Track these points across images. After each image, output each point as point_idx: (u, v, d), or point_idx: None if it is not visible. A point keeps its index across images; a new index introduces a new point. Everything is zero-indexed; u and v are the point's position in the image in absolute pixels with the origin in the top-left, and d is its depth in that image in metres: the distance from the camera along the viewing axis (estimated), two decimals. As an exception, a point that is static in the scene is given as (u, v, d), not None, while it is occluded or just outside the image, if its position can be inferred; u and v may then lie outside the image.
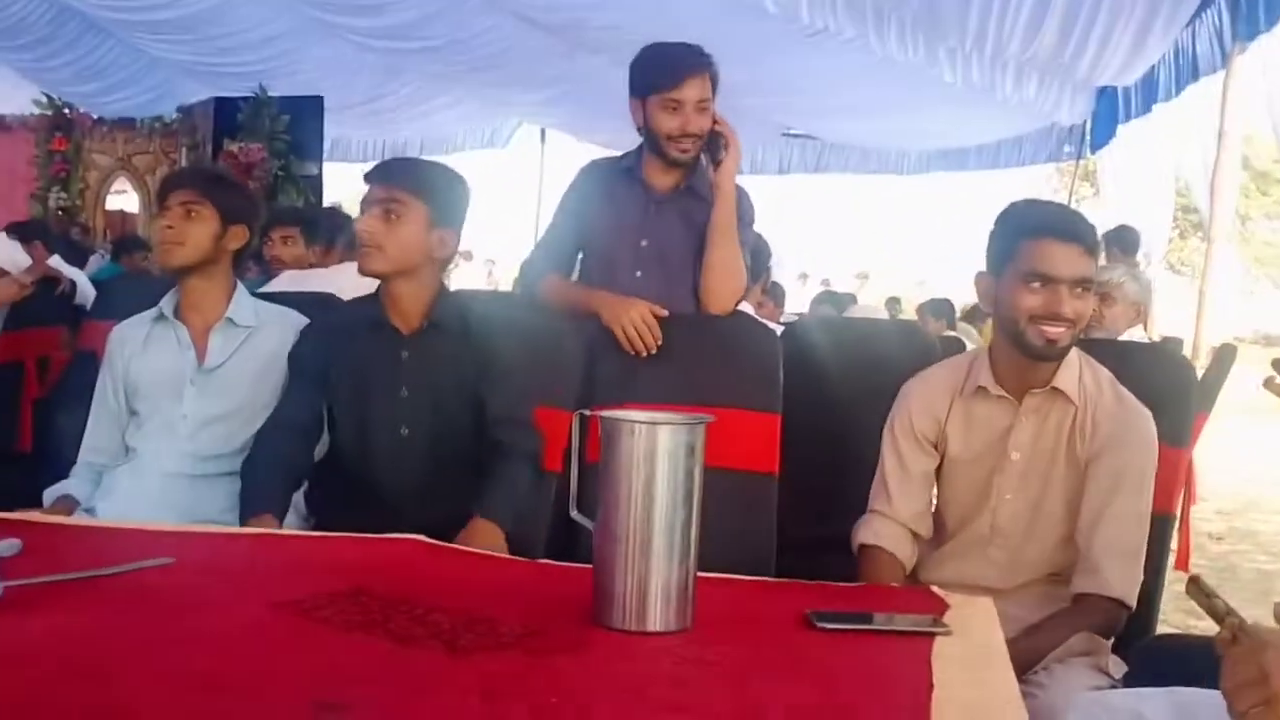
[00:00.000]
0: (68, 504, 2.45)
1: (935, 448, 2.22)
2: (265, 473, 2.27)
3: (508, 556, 1.93)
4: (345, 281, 3.11)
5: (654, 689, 1.24)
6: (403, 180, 2.31)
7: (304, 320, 2.56)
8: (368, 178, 2.34)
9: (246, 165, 9.02)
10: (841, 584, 1.79)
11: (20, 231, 5.30)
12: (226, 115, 9.55)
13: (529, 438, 2.33)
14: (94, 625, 1.36)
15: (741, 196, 2.80)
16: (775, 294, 5.74)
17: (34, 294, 4.81)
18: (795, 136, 12.19)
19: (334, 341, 2.40)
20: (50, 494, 2.49)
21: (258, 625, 1.37)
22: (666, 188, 2.84)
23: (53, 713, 1.08)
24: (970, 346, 3.58)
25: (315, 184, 9.57)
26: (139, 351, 2.57)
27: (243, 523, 2.10)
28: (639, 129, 2.82)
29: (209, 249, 2.52)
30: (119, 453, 2.57)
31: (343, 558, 1.72)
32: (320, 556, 1.75)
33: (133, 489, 2.44)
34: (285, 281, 3.88)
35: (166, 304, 2.58)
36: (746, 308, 3.30)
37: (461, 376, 2.33)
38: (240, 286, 2.63)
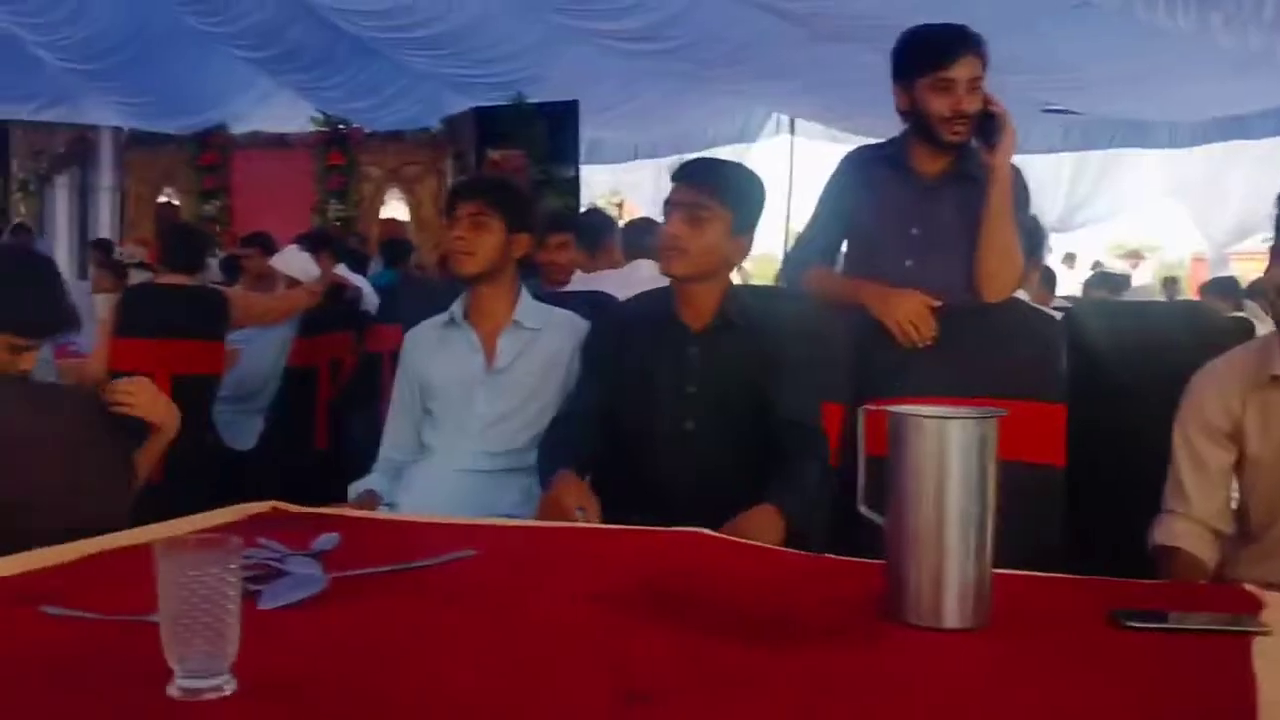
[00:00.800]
0: (371, 499, 2.60)
1: (1231, 441, 2.10)
2: (557, 451, 2.36)
3: (789, 550, 1.94)
4: (639, 281, 3.20)
5: (959, 686, 1.23)
6: (709, 185, 2.36)
7: (584, 322, 2.65)
8: (674, 177, 2.40)
9: (509, 172, 9.36)
10: (1144, 581, 1.72)
11: (308, 243, 5.65)
12: (487, 124, 9.93)
13: (818, 441, 2.34)
14: (411, 614, 1.44)
15: (1015, 177, 2.72)
16: (1045, 278, 5.54)
17: (323, 302, 5.14)
18: (1056, 113, 11.71)
19: (625, 332, 2.48)
20: (355, 489, 2.65)
21: (561, 616, 1.43)
22: (935, 172, 2.79)
23: (376, 695, 1.14)
24: (1261, 329, 3.37)
25: (573, 186, 9.85)
26: (432, 354, 2.72)
27: (546, 491, 2.18)
28: (903, 114, 2.78)
29: (497, 257, 2.65)
30: (416, 449, 2.72)
31: (634, 550, 1.78)
32: (613, 549, 1.80)
33: (430, 484, 2.58)
34: (602, 283, 4.00)
35: (457, 309, 2.72)
36: (1022, 294, 3.21)
37: (748, 374, 2.36)
38: (524, 290, 2.75)
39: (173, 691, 1.10)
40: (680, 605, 1.46)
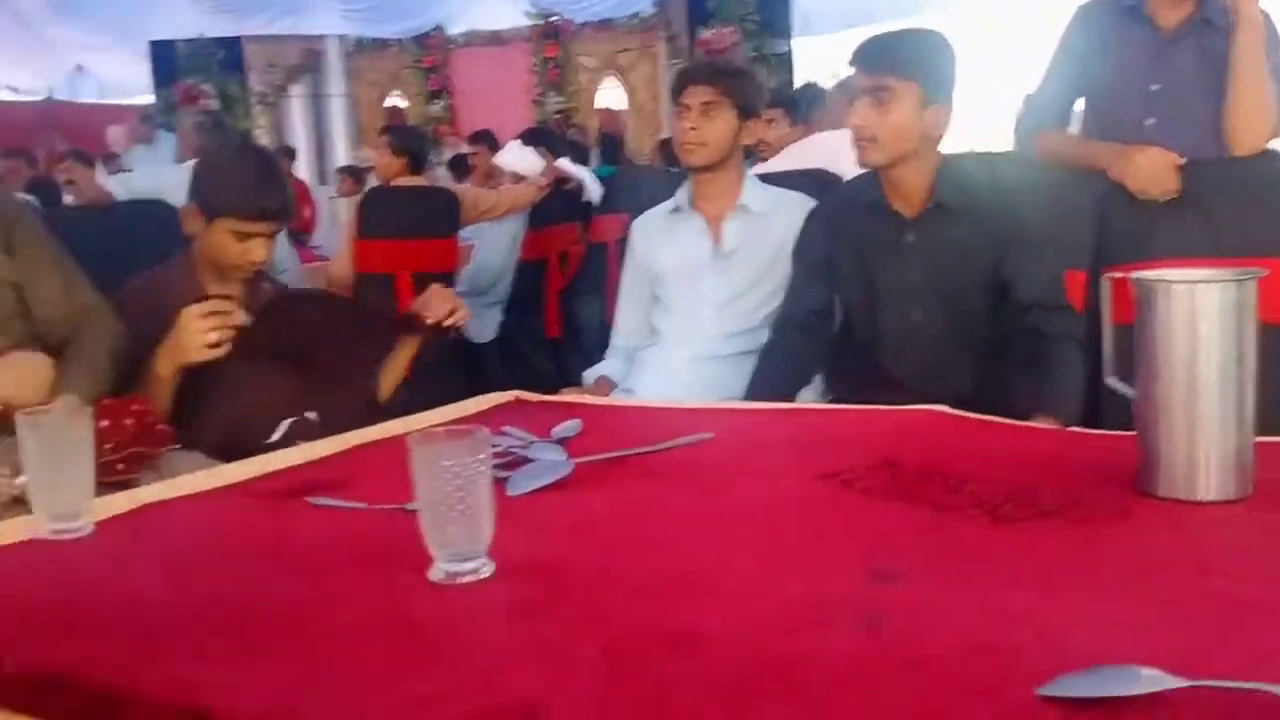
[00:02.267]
0: (606, 384, 2.67)
1: None
2: (775, 365, 2.35)
3: (1031, 424, 1.89)
4: (836, 149, 3.11)
5: (1214, 559, 1.18)
6: (888, 63, 2.24)
7: (812, 202, 2.60)
8: (852, 63, 2.31)
9: (719, 50, 9.22)
10: None
11: (530, 138, 5.74)
12: (698, 3, 9.78)
13: (1070, 319, 2.21)
14: (650, 497, 1.48)
15: (1265, 20, 2.52)
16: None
17: (549, 195, 5.23)
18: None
19: (836, 228, 2.42)
20: (590, 375, 2.72)
21: (802, 496, 1.44)
22: (1176, 22, 2.61)
23: (625, 574, 1.18)
24: None
25: (786, 61, 9.63)
26: (660, 242, 2.74)
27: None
28: None
29: (729, 146, 2.62)
30: (647, 335, 2.76)
31: (872, 430, 1.76)
32: (850, 429, 1.79)
33: (662, 369, 2.62)
34: (782, 161, 3.93)
35: (682, 196, 2.72)
36: (1277, 146, 2.99)
37: (972, 256, 2.26)
38: (749, 173, 2.72)
39: (434, 575, 1.16)
40: (922, 483, 1.44)
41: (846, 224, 2.40)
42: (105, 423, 2.06)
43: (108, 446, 2.03)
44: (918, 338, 2.32)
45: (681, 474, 1.57)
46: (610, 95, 11.72)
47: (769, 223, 2.65)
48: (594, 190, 5.73)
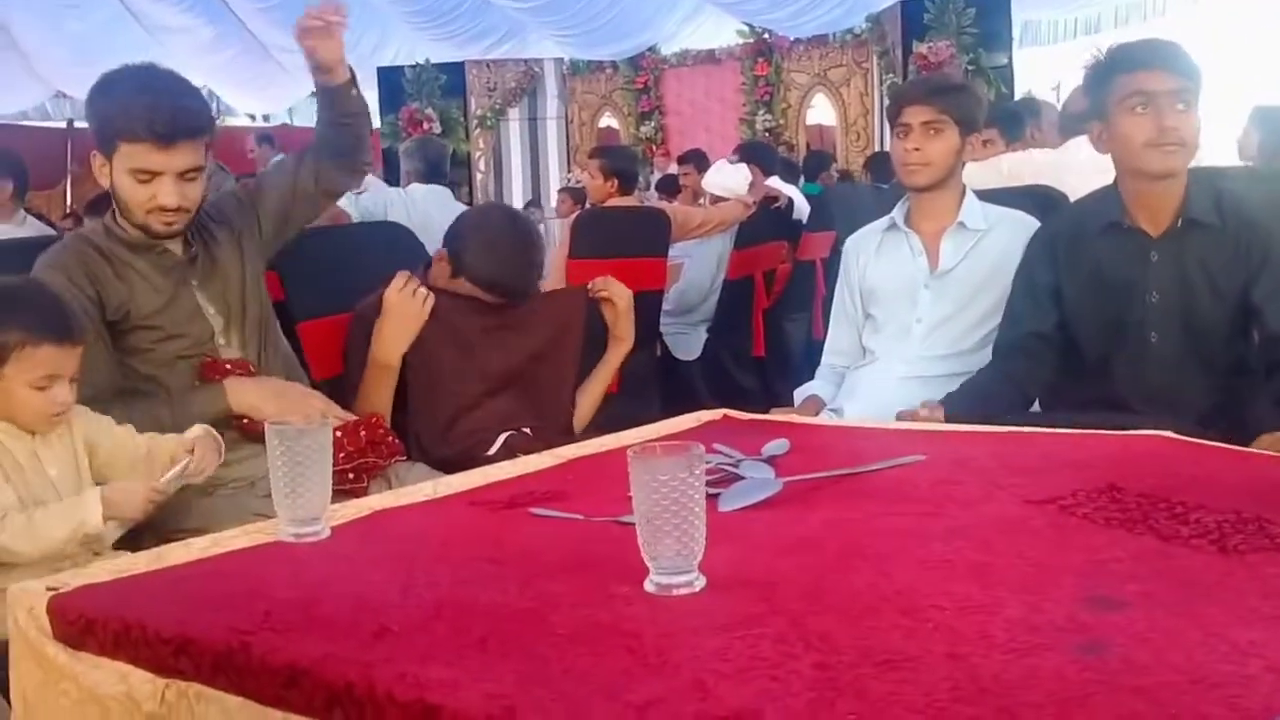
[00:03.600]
0: (815, 403, 2.66)
1: None
2: (994, 385, 2.30)
3: (1261, 452, 1.80)
4: (1075, 165, 3.03)
5: None
6: (1187, 68, 2.18)
7: (1034, 222, 2.54)
8: (1146, 65, 2.19)
9: (936, 64, 9.07)
10: None
11: (745, 153, 5.77)
12: (913, 17, 9.64)
13: None
14: (863, 516, 1.47)
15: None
16: None
17: (757, 213, 5.25)
18: None
19: (1067, 249, 2.35)
20: (800, 394, 2.72)
21: (1018, 520, 1.41)
22: None
23: (836, 592, 1.18)
24: None
25: (1006, 75, 9.39)
26: (873, 260, 2.72)
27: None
28: None
29: (952, 164, 2.59)
30: (858, 354, 2.75)
31: (1093, 454, 1.71)
32: (1070, 454, 1.75)
33: (874, 389, 2.60)
34: (984, 173, 3.82)
35: (898, 213, 2.70)
36: None
37: (1221, 277, 2.17)
38: (969, 190, 2.66)
39: (649, 587, 1.19)
40: (1146, 509, 1.40)
41: (1080, 244, 2.33)
42: (339, 434, 2.18)
43: (341, 456, 2.15)
44: (1153, 360, 2.24)
45: (892, 495, 1.56)
46: (820, 113, 11.68)
47: (987, 241, 2.60)
48: (803, 208, 5.72)
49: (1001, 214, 2.64)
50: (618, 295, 2.67)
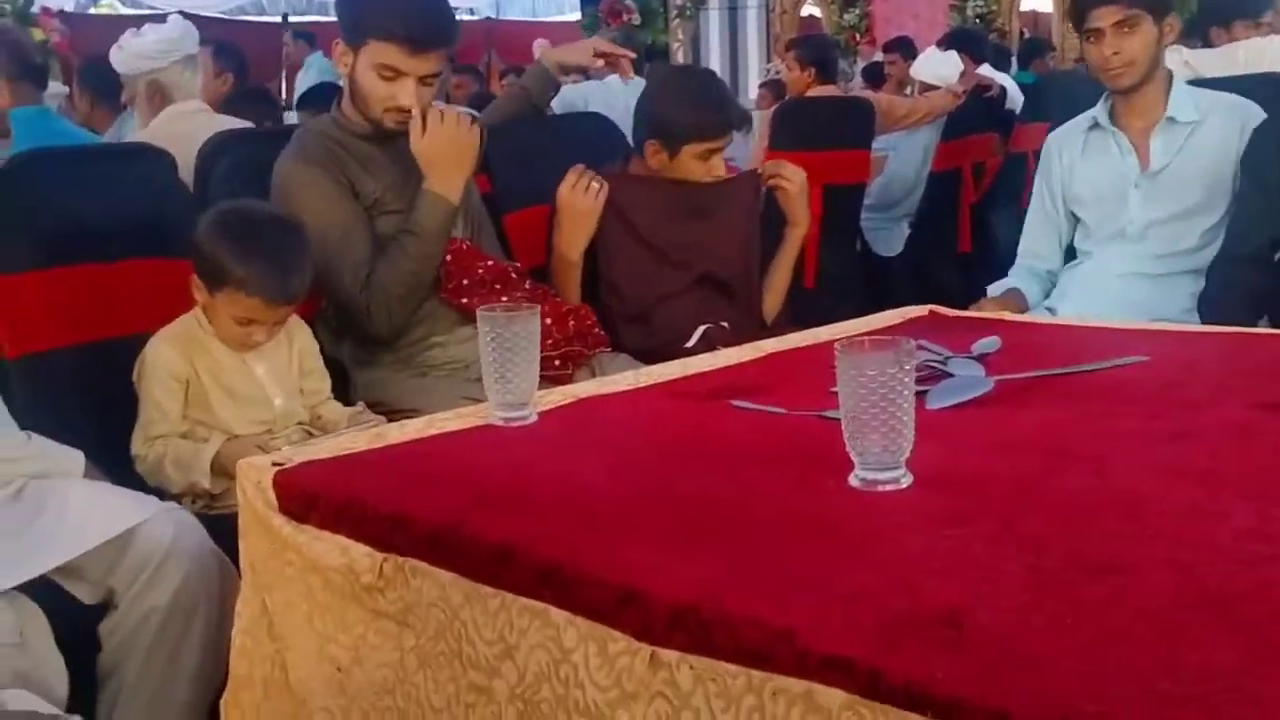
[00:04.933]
0: (1017, 297, 2.56)
1: None
2: (1227, 308, 2.17)
3: None
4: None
5: None
6: None
7: (1252, 105, 2.37)
8: None
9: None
10: None
11: (952, 42, 5.55)
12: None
13: None
14: (1080, 418, 1.42)
15: None
16: None
17: (967, 103, 5.05)
18: None
19: None
20: (995, 289, 2.62)
21: (1247, 425, 1.34)
22: None
23: (1050, 494, 1.15)
24: None
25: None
26: (1079, 160, 2.58)
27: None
28: None
29: (1155, 56, 2.43)
30: (1057, 257, 2.63)
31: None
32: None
33: (1089, 289, 2.49)
34: (1227, 63, 3.57)
35: (1100, 111, 2.55)
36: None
37: None
38: (1176, 78, 2.50)
39: (854, 481, 1.18)
40: (1389, 419, 1.31)
41: None
42: (549, 321, 2.22)
43: (548, 343, 2.19)
44: None
45: (1111, 396, 1.49)
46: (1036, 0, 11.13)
47: (1201, 134, 2.44)
48: (1016, 98, 5.47)
49: (1214, 100, 2.47)
50: (790, 178, 2.61)
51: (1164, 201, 2.46)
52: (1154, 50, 2.43)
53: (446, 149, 2.27)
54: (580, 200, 2.47)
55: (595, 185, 2.48)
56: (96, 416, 2.09)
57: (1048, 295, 2.60)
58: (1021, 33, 10.69)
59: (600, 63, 2.84)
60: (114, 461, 1.97)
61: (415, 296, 2.27)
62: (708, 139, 2.49)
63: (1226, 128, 2.40)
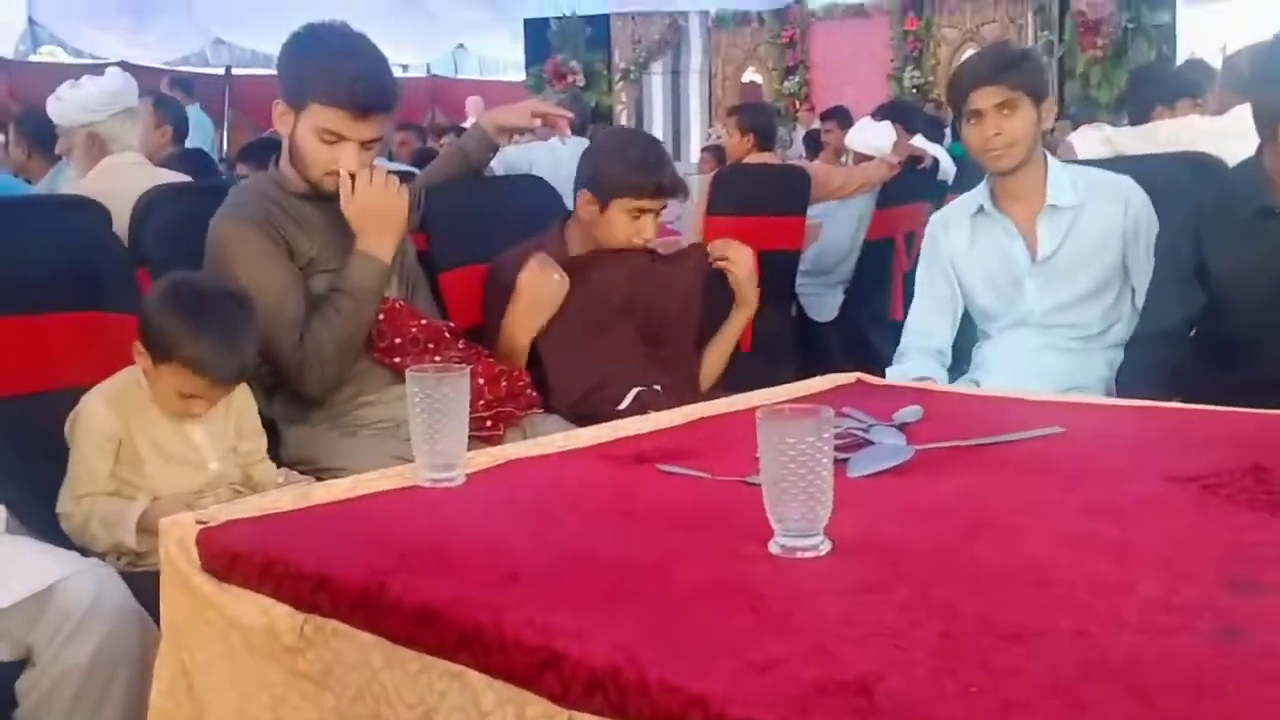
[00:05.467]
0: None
1: None
2: (1144, 384, 2.22)
3: None
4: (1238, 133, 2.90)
5: None
6: None
7: (1130, 184, 2.44)
8: None
9: (1094, 22, 8.77)
10: None
11: (886, 113, 5.67)
12: (1072, -29, 9.33)
13: None
14: (995, 487, 1.45)
15: None
16: None
17: (900, 172, 5.15)
18: None
19: (1216, 227, 2.25)
20: (898, 375, 2.57)
21: (1157, 498, 1.38)
22: None
23: (965, 563, 1.17)
24: None
25: (1168, 34, 9.02)
26: (967, 246, 2.61)
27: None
28: None
29: (1034, 137, 2.47)
30: (949, 335, 2.65)
31: (1239, 432, 1.66)
32: (1213, 431, 1.69)
33: (1007, 362, 2.52)
34: (1147, 143, 3.69)
35: (982, 195, 2.58)
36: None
37: None
38: (1050, 161, 2.54)
39: (774, 548, 1.20)
40: (1292, 492, 1.35)
41: (1229, 222, 2.23)
42: (481, 381, 2.23)
43: (480, 403, 2.20)
44: None
45: (1027, 467, 1.53)
46: (970, 70, 11.39)
47: (1086, 218, 2.49)
48: (948, 168, 5.60)
49: (1092, 181, 2.52)
50: (737, 261, 2.64)
51: (1059, 288, 2.51)
52: (1034, 132, 2.47)
53: (375, 210, 2.28)
54: (543, 288, 2.48)
55: (558, 276, 2.49)
56: (20, 469, 2.06)
57: (948, 370, 2.62)
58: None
59: (538, 123, 2.87)
60: (35, 517, 1.94)
61: (348, 355, 2.28)
62: (639, 197, 2.51)
63: (1110, 209, 2.46)
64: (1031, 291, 2.53)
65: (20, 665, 1.71)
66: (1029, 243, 2.54)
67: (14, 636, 1.69)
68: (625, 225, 2.54)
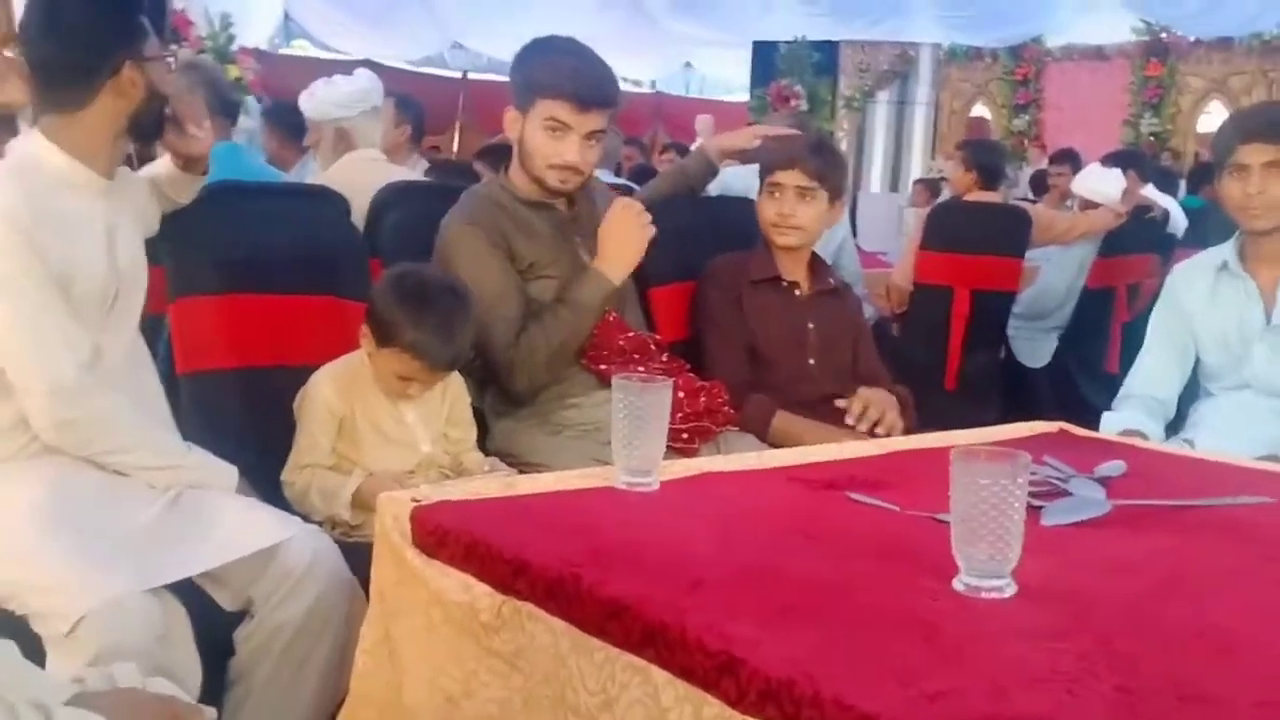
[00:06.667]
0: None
1: None
2: None
3: None
4: None
5: None
6: None
7: None
8: None
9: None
10: None
11: (1115, 161, 5.51)
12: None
13: None
14: (1192, 550, 1.43)
15: None
16: None
17: (1127, 222, 5.00)
18: None
19: None
20: (1113, 422, 2.54)
21: (1363, 579, 1.33)
22: None
23: (1150, 620, 1.16)
24: None
25: None
26: (1206, 302, 2.54)
27: None
28: None
29: None
30: (1175, 391, 2.58)
31: None
32: None
33: (1224, 424, 2.45)
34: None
35: (1230, 253, 2.51)
36: None
37: None
38: None
39: (958, 585, 1.21)
40: None
41: None
42: (681, 395, 2.30)
43: (679, 416, 2.27)
44: None
45: (1228, 534, 1.49)
46: (1214, 120, 10.92)
47: None
48: (1179, 221, 5.40)
49: None
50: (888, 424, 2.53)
51: None
52: None
53: (624, 236, 2.42)
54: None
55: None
56: (252, 436, 2.23)
57: (1166, 426, 2.56)
58: (1196, 154, 10.52)
59: (758, 143, 2.92)
60: (263, 480, 2.10)
61: (558, 363, 2.38)
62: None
63: None
64: (1260, 356, 2.45)
65: (240, 616, 1.85)
66: (1267, 306, 2.47)
67: (237, 588, 1.84)
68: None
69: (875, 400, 2.53)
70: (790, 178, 2.67)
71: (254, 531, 1.82)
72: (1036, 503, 1.48)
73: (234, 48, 6.90)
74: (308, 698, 1.83)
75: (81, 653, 1.58)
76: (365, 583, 1.51)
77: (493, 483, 1.56)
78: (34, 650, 1.61)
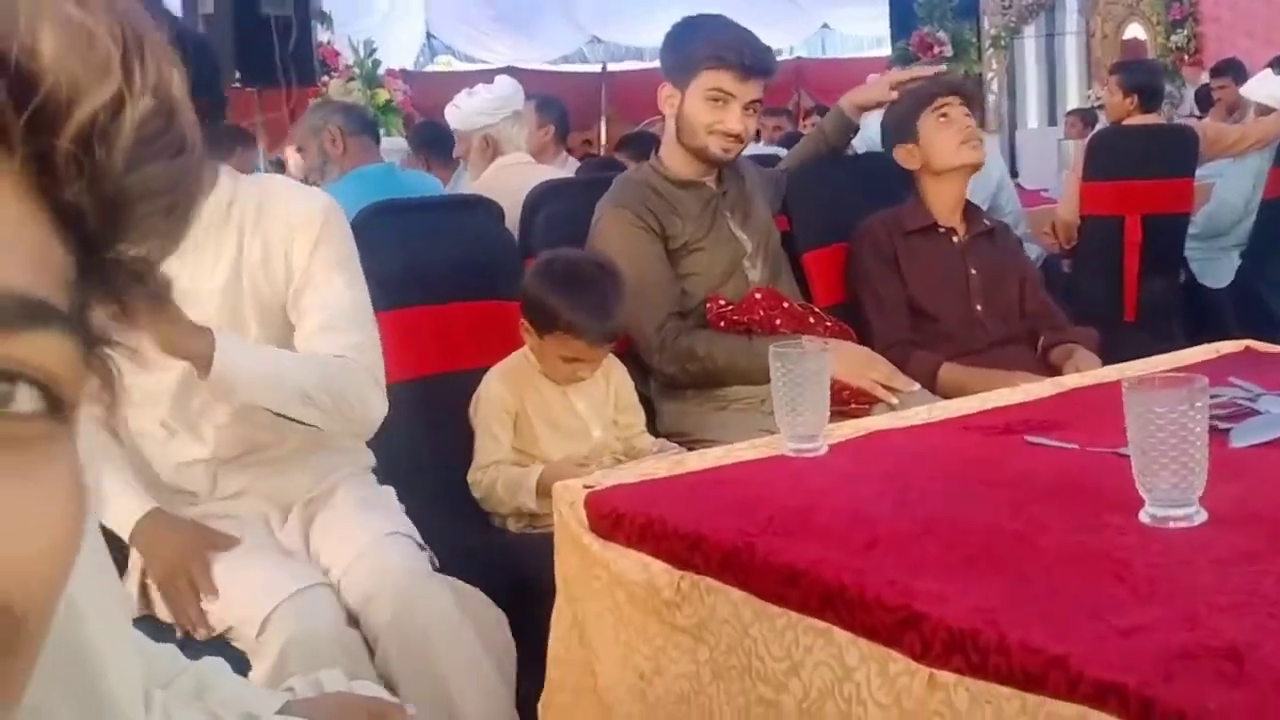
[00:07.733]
0: None
1: None
2: None
3: None
4: None
5: None
6: None
7: None
8: None
9: None
10: None
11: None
12: None
13: None
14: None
15: None
16: None
17: (1304, 127, 4.74)
18: None
19: None
20: None
21: None
22: None
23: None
24: None
25: None
26: None
27: None
28: None
29: None
30: None
31: None
32: None
33: None
34: None
35: None
36: None
37: None
38: None
39: (1144, 518, 1.18)
40: None
41: None
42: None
43: (846, 394, 2.26)
44: None
45: None
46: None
47: None
48: (1363, 121, 5.09)
49: None
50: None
51: None
52: None
53: (853, 369, 2.36)
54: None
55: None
56: (425, 445, 2.29)
57: None
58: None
59: (895, 95, 2.87)
60: (442, 482, 2.16)
61: (702, 377, 2.41)
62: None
63: None
64: None
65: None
66: None
67: None
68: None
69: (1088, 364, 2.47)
70: (954, 103, 2.71)
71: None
72: (1223, 425, 1.42)
73: (381, 71, 7.09)
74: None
75: (274, 646, 1.64)
76: (551, 572, 1.55)
77: (663, 462, 1.57)
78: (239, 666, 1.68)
